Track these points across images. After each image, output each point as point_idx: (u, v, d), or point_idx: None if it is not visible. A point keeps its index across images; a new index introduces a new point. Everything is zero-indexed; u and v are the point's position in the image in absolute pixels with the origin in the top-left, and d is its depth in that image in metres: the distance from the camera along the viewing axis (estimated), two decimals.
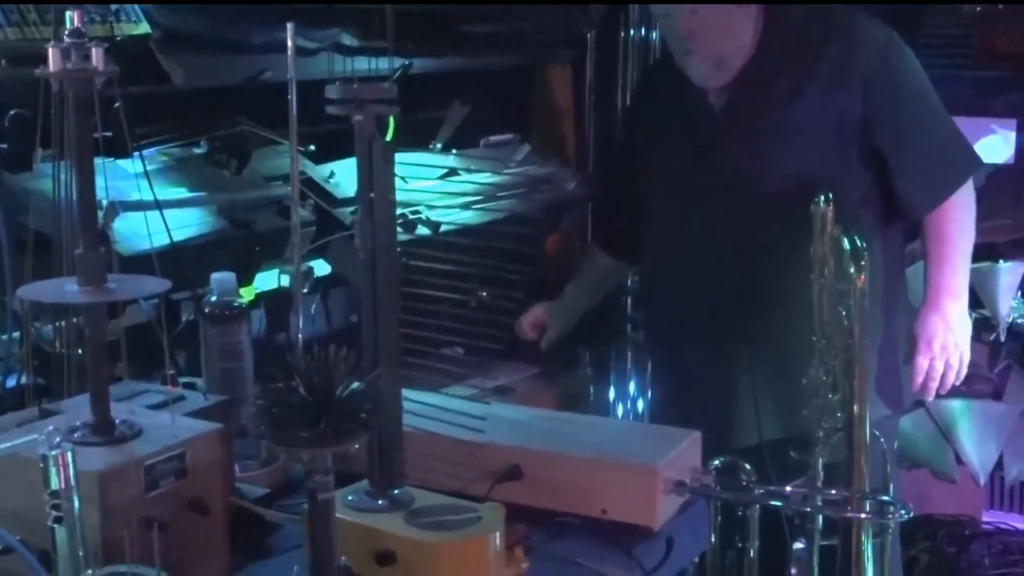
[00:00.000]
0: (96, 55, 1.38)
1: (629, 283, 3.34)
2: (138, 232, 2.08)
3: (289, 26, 1.78)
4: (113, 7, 2.11)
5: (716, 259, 2.33)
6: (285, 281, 2.58)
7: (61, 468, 1.18)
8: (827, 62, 2.27)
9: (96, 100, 1.39)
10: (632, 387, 3.50)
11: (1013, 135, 3.66)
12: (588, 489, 1.66)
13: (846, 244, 2.06)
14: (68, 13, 1.38)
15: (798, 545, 2.15)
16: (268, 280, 2.55)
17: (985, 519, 3.69)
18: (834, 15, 2.37)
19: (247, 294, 2.40)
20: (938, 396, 3.27)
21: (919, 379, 2.29)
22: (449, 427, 1.65)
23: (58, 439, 1.19)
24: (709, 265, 2.34)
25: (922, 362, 2.28)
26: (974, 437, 3.35)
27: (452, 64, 3.10)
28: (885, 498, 1.87)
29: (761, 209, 2.27)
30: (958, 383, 2.33)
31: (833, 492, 1.87)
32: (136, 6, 2.20)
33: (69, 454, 1.18)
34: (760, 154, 2.27)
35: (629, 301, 3.44)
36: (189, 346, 2.39)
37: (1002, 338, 3.39)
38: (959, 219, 2.31)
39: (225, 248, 2.36)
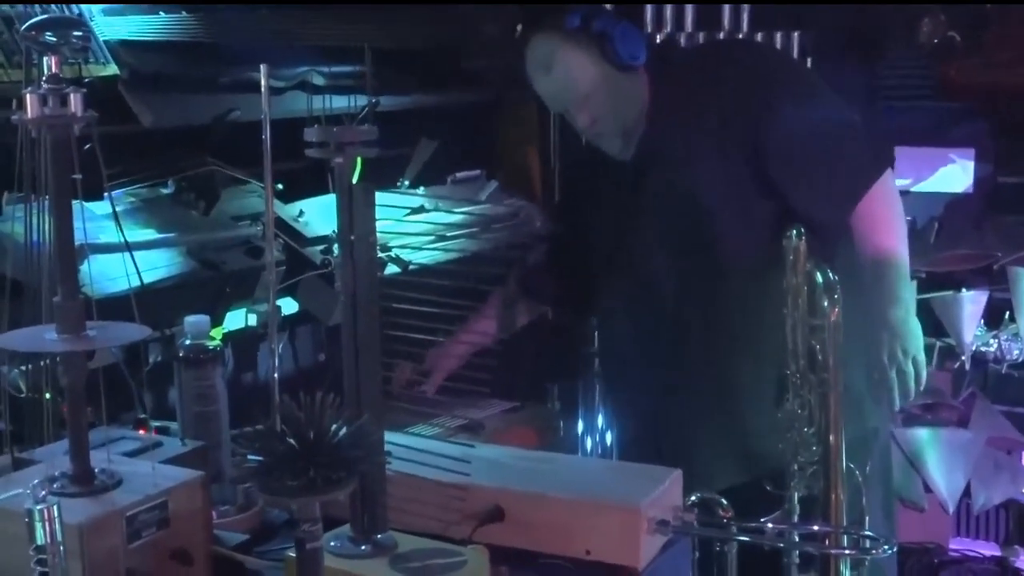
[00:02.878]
0: (74, 100, 1.37)
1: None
2: (107, 274, 2.05)
3: (263, 67, 1.77)
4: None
5: (659, 304, 2.34)
6: (253, 321, 2.56)
7: (47, 522, 1.16)
8: (712, 105, 2.26)
9: (74, 145, 1.38)
10: (600, 420, 3.49)
11: (971, 164, 3.70)
12: (571, 530, 1.65)
13: (819, 278, 2.07)
14: (45, 58, 1.37)
15: None
16: (235, 320, 2.53)
17: (952, 546, 3.70)
18: (717, 54, 2.37)
19: (215, 334, 2.38)
20: (906, 424, 3.35)
21: (877, 393, 2.29)
22: (431, 470, 1.64)
23: (43, 492, 1.17)
24: (653, 309, 2.35)
25: (874, 375, 2.28)
26: (942, 465, 3.36)
27: (417, 101, 3.10)
28: (866, 532, 1.86)
29: (687, 250, 2.29)
30: (920, 388, 2.30)
31: (815, 528, 1.86)
32: (105, 48, 2.19)
33: (55, 508, 1.16)
34: (673, 202, 2.29)
35: (597, 335, 3.43)
36: (156, 388, 2.37)
37: (967, 366, 3.41)
38: (879, 225, 2.26)
39: (195, 289, 2.34)
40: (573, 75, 2.28)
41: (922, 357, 2.24)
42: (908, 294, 2.26)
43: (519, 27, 2.37)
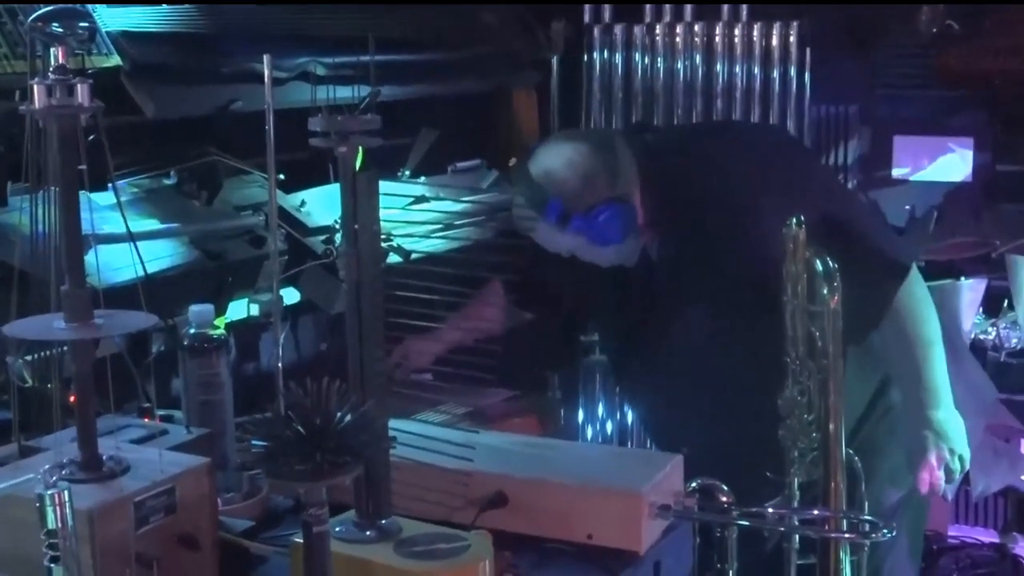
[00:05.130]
0: (81, 91, 1.38)
1: None
2: (111, 264, 2.06)
3: (266, 57, 1.79)
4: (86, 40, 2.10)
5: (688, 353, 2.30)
6: (255, 310, 2.57)
7: (58, 507, 1.17)
8: (723, 230, 2.20)
9: (81, 136, 1.39)
10: (601, 409, 3.51)
11: (970, 153, 3.71)
12: (574, 515, 1.67)
13: (818, 266, 2.07)
14: (52, 49, 1.38)
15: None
16: (237, 310, 2.54)
17: (951, 533, 3.72)
18: (715, 171, 2.23)
19: (218, 323, 2.39)
20: None
21: (924, 488, 2.30)
22: (435, 456, 1.66)
23: (54, 478, 1.18)
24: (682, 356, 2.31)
25: (923, 475, 2.27)
26: None
27: (418, 91, 3.11)
28: (865, 517, 1.88)
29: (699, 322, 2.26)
30: (962, 475, 2.33)
31: (815, 512, 1.88)
32: (107, 39, 2.20)
33: (66, 493, 1.17)
34: (688, 299, 2.27)
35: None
36: (159, 377, 2.38)
37: None
38: (908, 332, 2.24)
39: (198, 279, 2.35)
40: (550, 245, 2.24)
41: (967, 453, 2.26)
42: (945, 388, 2.26)
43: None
